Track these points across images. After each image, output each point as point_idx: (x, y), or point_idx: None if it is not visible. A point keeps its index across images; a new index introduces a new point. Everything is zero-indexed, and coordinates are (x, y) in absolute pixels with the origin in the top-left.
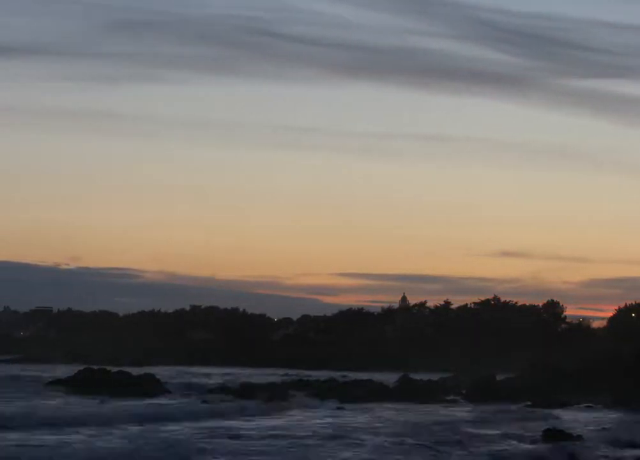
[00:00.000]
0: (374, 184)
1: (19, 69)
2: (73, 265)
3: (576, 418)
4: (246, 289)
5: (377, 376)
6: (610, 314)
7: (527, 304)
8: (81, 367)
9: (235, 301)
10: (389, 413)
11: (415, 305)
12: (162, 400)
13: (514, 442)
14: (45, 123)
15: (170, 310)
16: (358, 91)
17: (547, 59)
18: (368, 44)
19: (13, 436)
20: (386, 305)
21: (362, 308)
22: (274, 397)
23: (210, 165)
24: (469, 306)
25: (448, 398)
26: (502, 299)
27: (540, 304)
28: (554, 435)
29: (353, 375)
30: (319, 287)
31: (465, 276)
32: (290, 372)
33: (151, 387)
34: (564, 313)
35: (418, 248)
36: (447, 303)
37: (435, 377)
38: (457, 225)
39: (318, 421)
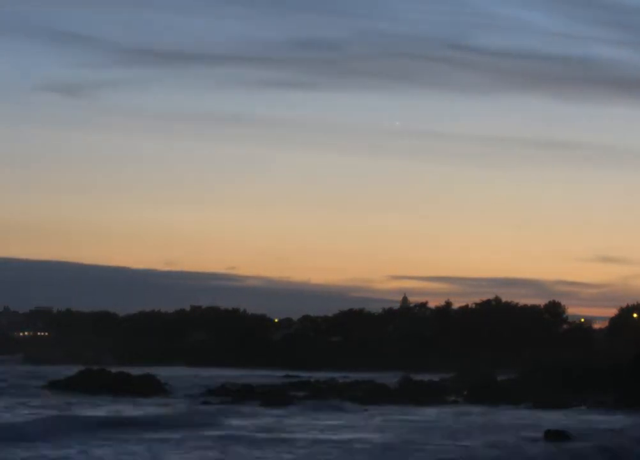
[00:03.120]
0: (475, 188)
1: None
2: (171, 268)
3: (578, 419)
4: (340, 293)
5: (378, 377)
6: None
7: (529, 304)
8: (81, 368)
9: (328, 304)
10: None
11: (416, 305)
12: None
13: None
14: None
15: (171, 311)
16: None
17: None
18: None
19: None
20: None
21: (363, 309)
22: (275, 398)
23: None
24: (470, 306)
25: (449, 399)
26: (504, 300)
27: (542, 304)
28: (556, 436)
29: (354, 376)
30: (408, 290)
31: (555, 280)
32: (291, 372)
33: (151, 388)
34: (566, 313)
35: (515, 251)
36: (448, 304)
37: (436, 377)
38: (562, 230)
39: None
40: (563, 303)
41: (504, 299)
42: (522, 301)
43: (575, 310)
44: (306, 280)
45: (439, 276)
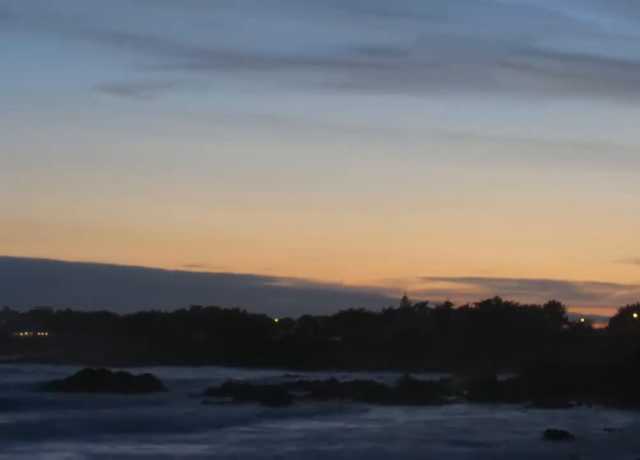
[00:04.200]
0: (510, 189)
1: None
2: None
3: (578, 419)
4: (373, 294)
5: (378, 377)
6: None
7: (529, 304)
8: (81, 368)
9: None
10: None
11: (416, 305)
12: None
13: None
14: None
15: (171, 311)
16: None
17: None
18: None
19: None
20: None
21: (363, 309)
22: (275, 398)
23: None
24: (469, 306)
25: (449, 398)
26: (504, 299)
27: (542, 304)
28: (556, 435)
29: (354, 376)
30: (442, 291)
31: (586, 281)
32: (291, 372)
33: (151, 388)
34: (566, 313)
35: (547, 252)
36: (448, 304)
37: (436, 377)
38: (595, 231)
39: None
40: (593, 304)
41: (530, 301)
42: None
43: (608, 312)
44: (339, 281)
45: (471, 277)
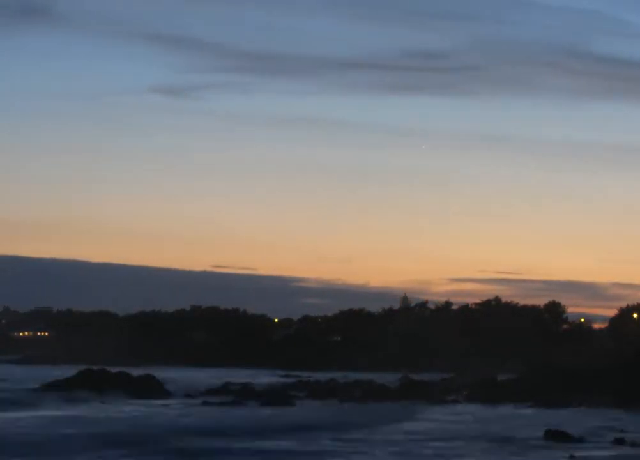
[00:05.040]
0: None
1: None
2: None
3: (578, 419)
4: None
5: (378, 377)
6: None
7: (529, 304)
8: (81, 368)
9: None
10: None
11: (416, 305)
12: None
13: None
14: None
15: (171, 311)
16: None
17: None
18: None
19: None
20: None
21: (363, 309)
22: (275, 398)
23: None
24: (470, 306)
25: (450, 399)
26: (504, 300)
27: (542, 304)
28: (556, 435)
29: (354, 376)
30: (467, 293)
31: (611, 282)
32: (291, 372)
33: (151, 388)
34: (566, 313)
35: (572, 253)
36: (448, 304)
37: (436, 377)
38: (619, 232)
39: None
40: (619, 305)
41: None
42: (577, 302)
43: None
44: (365, 282)
45: (496, 278)
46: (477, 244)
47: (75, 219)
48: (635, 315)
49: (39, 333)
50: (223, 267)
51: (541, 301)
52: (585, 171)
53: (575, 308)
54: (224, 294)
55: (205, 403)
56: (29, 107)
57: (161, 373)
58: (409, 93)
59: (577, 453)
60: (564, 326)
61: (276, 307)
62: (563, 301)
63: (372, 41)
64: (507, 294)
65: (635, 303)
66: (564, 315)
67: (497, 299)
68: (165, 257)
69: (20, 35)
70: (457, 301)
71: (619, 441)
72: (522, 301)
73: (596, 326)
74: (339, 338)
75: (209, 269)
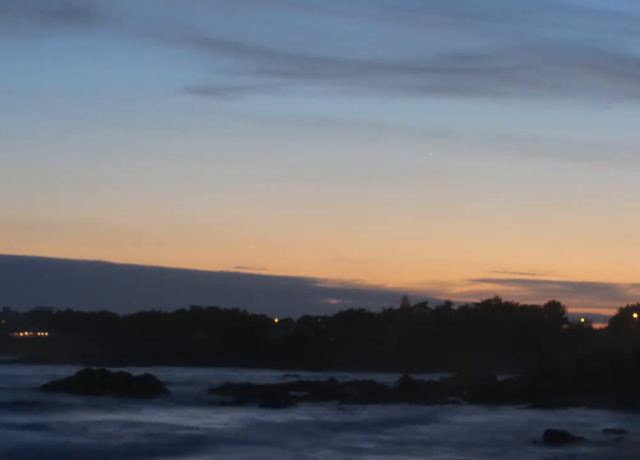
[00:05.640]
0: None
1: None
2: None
3: (578, 419)
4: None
5: (378, 377)
6: None
7: (529, 304)
8: (81, 368)
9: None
10: None
11: (416, 305)
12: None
13: None
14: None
15: (171, 311)
16: None
17: None
18: None
19: None
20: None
21: (363, 309)
22: (275, 398)
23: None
24: (470, 306)
25: (450, 399)
26: (504, 300)
27: (542, 304)
28: (556, 436)
29: (354, 376)
30: (486, 293)
31: (630, 283)
32: (291, 372)
33: (151, 388)
34: (566, 313)
35: (590, 254)
36: (448, 304)
37: (436, 377)
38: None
39: None
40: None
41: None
42: (593, 303)
43: None
44: (383, 283)
45: (515, 279)
46: (496, 245)
47: (79, 219)
48: (635, 315)
49: (39, 333)
50: (245, 268)
51: (564, 303)
52: (621, 171)
53: (592, 309)
54: (245, 295)
55: (204, 403)
56: (69, 108)
57: (161, 373)
58: (446, 95)
59: (577, 454)
60: (565, 326)
61: (295, 307)
62: (580, 302)
63: (412, 43)
64: (525, 295)
65: (635, 303)
66: (564, 315)
67: (497, 299)
68: (185, 258)
69: (61, 37)
70: (476, 302)
71: (619, 441)
72: (541, 303)
73: (596, 326)
74: (339, 338)
75: (231, 270)
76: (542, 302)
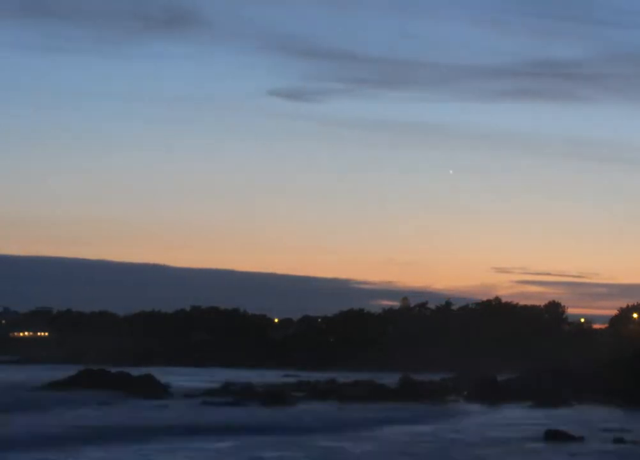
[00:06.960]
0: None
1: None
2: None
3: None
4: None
5: (378, 377)
6: None
7: (529, 304)
8: (81, 368)
9: None
10: None
11: (416, 305)
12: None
13: None
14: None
15: (171, 311)
16: None
17: None
18: None
19: None
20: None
21: (363, 309)
22: (275, 398)
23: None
24: (470, 306)
25: (450, 399)
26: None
27: (542, 305)
28: (556, 435)
29: (354, 376)
30: (531, 295)
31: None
32: (291, 372)
33: (151, 388)
34: (566, 313)
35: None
36: (448, 304)
37: (436, 377)
38: None
39: None
40: None
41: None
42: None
43: None
44: (427, 285)
45: (561, 282)
46: (544, 248)
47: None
48: (635, 315)
49: (39, 333)
50: (285, 268)
51: (607, 305)
52: None
53: None
54: (283, 296)
55: (204, 403)
56: (166, 112)
57: (161, 373)
58: (533, 100)
59: (577, 453)
60: (565, 326)
61: (295, 307)
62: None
63: (500, 48)
64: (571, 298)
65: (635, 303)
66: (564, 315)
67: (497, 299)
68: (222, 258)
69: (159, 43)
70: (476, 302)
71: (619, 441)
72: (590, 306)
73: (596, 326)
74: (339, 338)
75: (272, 271)
76: (592, 306)
